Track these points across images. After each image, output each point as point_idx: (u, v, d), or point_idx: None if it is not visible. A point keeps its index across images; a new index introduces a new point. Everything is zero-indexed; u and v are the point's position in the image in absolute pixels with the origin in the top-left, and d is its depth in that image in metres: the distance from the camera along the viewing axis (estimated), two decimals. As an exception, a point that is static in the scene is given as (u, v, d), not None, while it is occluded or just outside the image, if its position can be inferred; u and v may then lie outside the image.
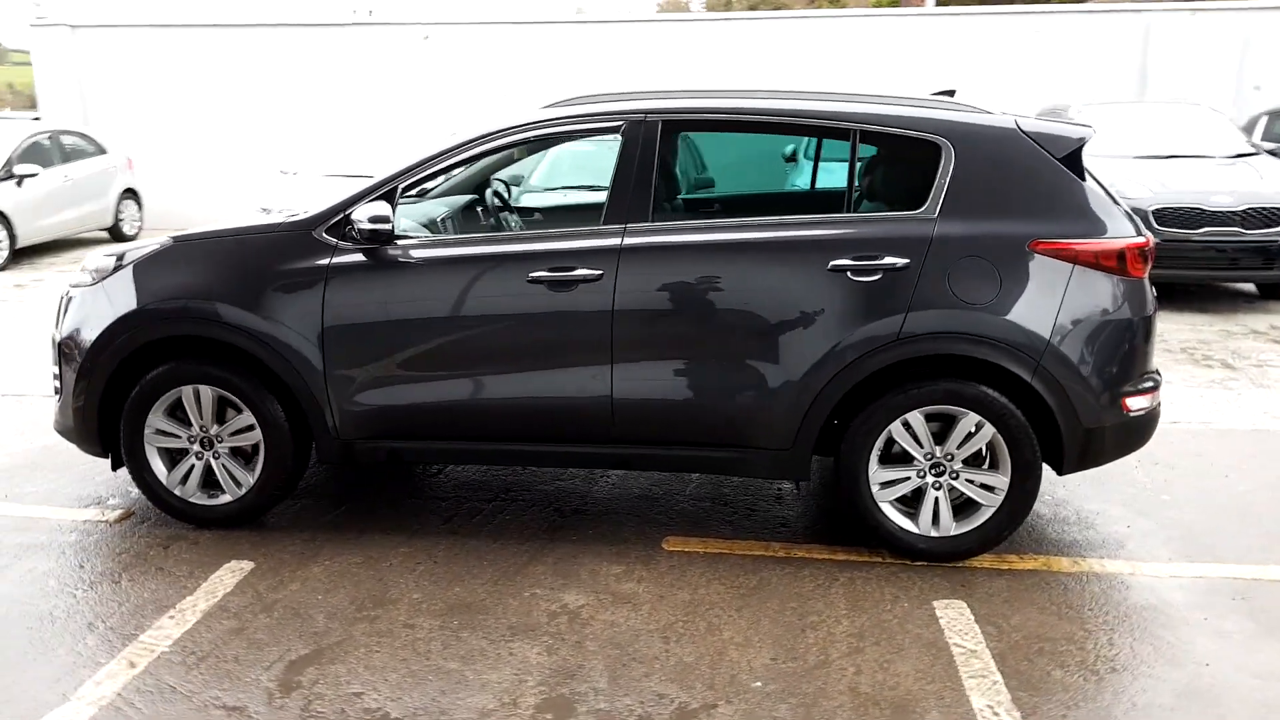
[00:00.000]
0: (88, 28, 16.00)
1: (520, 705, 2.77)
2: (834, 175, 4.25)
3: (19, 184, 11.35)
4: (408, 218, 4.08)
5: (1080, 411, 3.50)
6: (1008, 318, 3.46)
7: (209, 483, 3.93)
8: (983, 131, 3.64)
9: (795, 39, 14.25)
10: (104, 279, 3.91)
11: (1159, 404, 3.73)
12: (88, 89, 15.90)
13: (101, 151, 13.12)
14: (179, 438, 3.89)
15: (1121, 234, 3.54)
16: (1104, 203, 3.57)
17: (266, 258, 3.78)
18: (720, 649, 3.07)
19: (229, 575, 3.55)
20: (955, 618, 3.26)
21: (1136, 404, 3.60)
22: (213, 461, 3.90)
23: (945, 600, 3.38)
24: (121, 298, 3.84)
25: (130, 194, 13.62)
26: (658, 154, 3.67)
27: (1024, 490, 3.56)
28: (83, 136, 13.08)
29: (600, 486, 4.40)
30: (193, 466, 3.91)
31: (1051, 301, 3.47)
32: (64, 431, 4.04)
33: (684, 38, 14.61)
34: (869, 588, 3.47)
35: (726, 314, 3.58)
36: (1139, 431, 3.69)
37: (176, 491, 3.93)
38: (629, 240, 3.61)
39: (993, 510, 3.60)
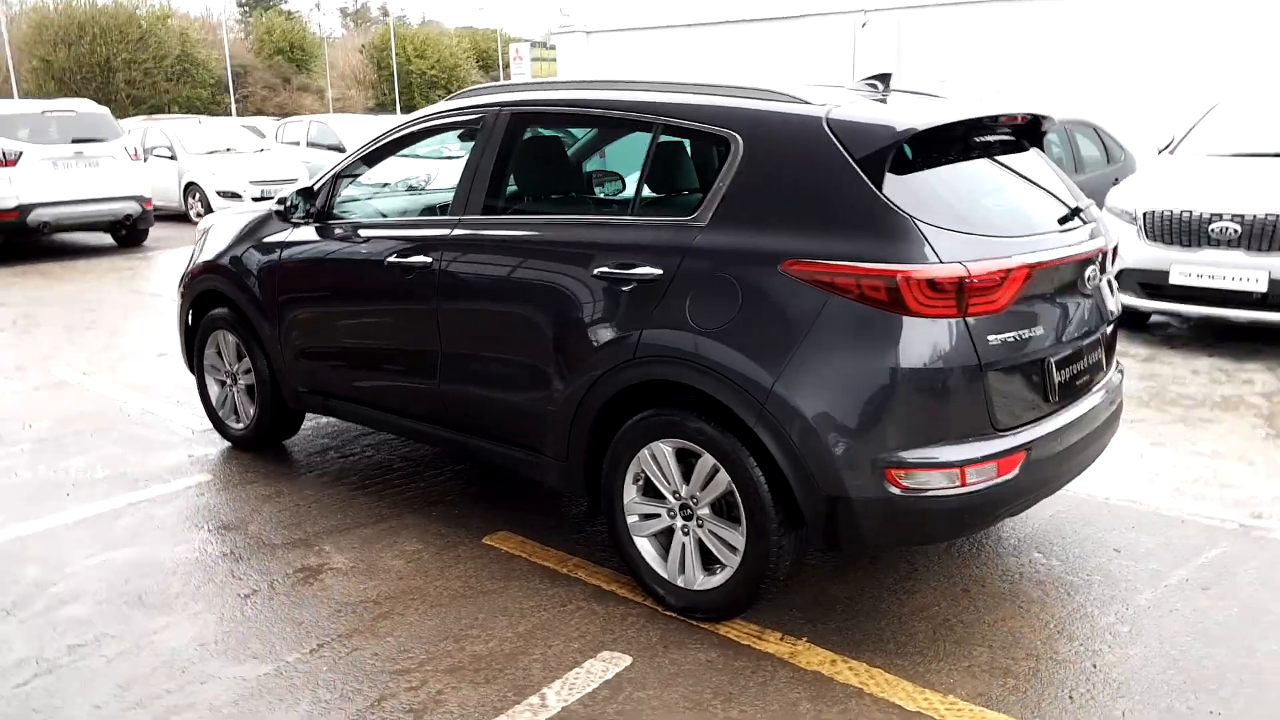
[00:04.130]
0: (599, 32, 18.79)
1: (149, 640, 3.25)
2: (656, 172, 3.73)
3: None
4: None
5: (816, 474, 2.80)
6: (734, 348, 2.89)
7: (239, 410, 4.93)
8: (777, 123, 3.03)
9: None
10: (199, 240, 5.09)
11: (977, 487, 2.77)
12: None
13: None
14: (219, 371, 4.95)
15: (908, 260, 2.71)
16: (895, 217, 2.76)
17: (262, 231, 4.61)
18: (342, 636, 3.15)
19: (184, 482, 4.50)
20: (593, 673, 2.90)
21: (915, 481, 2.75)
22: (234, 394, 4.88)
23: (616, 654, 3.01)
24: (198, 255, 4.97)
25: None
26: (500, 146, 3.69)
27: (758, 554, 2.96)
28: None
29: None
30: (227, 396, 4.94)
31: (792, 335, 2.82)
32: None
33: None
34: (576, 622, 3.21)
35: (516, 312, 3.52)
36: (932, 516, 2.80)
37: (219, 412, 5.00)
38: (456, 231, 3.72)
39: (731, 571, 3.05)
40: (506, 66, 46.72)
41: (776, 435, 2.82)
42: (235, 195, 16.08)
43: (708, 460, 3.03)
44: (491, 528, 3.95)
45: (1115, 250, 3.48)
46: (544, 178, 3.82)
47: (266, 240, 4.51)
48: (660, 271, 3.09)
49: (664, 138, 3.30)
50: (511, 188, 3.77)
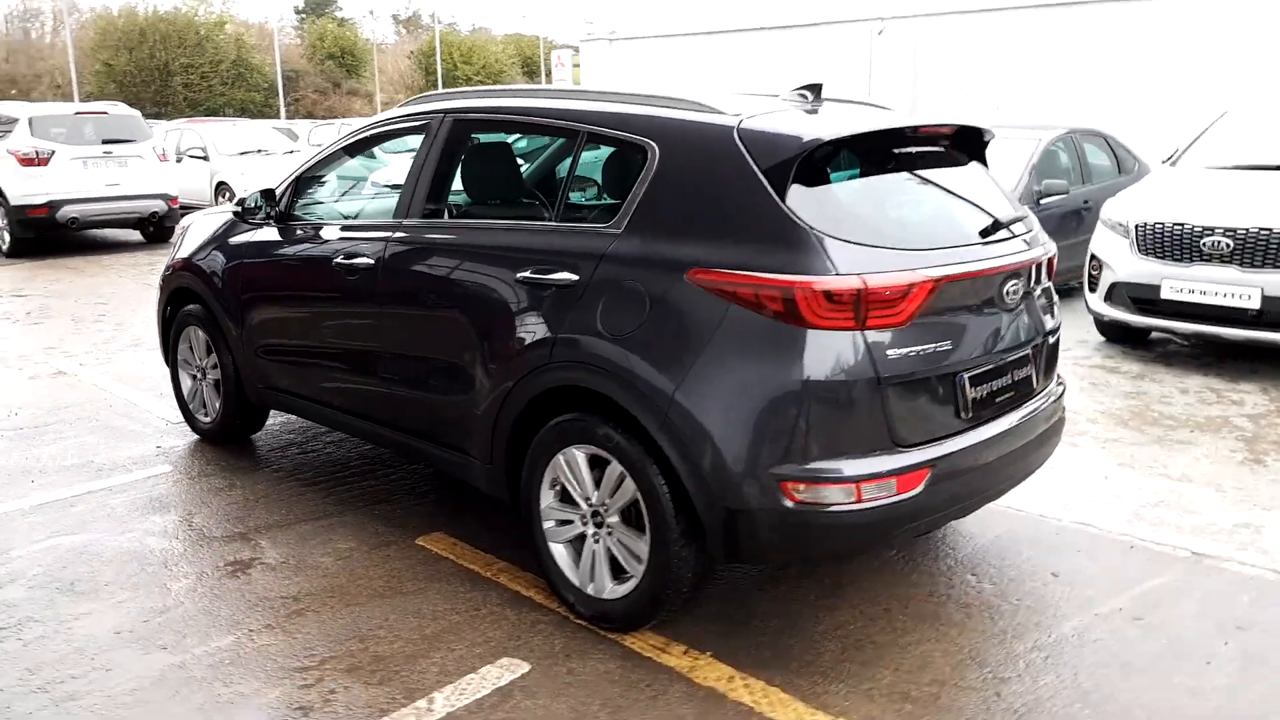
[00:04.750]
0: (621, 40, 18.87)
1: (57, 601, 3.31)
2: (579, 180, 3.72)
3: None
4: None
5: (714, 484, 2.76)
6: (640, 355, 2.87)
7: (207, 405, 5.01)
8: (690, 132, 3.01)
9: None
10: (178, 238, 5.19)
11: (875, 503, 2.71)
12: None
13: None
14: (191, 365, 5.03)
15: (805, 271, 2.67)
16: (795, 228, 2.72)
17: (230, 231, 4.68)
18: (253, 631, 3.18)
19: (145, 472, 4.59)
20: (488, 679, 2.89)
21: (810, 494, 2.70)
22: (203, 388, 4.97)
23: (515, 660, 2.99)
24: (176, 252, 5.06)
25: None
26: (441, 151, 3.72)
27: (660, 564, 2.93)
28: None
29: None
30: (197, 390, 5.03)
31: (695, 343, 2.79)
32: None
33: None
34: (485, 626, 3.20)
35: (448, 315, 3.53)
36: (831, 531, 2.75)
37: (190, 405, 5.09)
38: (397, 234, 3.75)
39: (636, 581, 3.03)
40: (549, 73, 47.10)
41: (677, 443, 2.80)
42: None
43: (616, 467, 3.01)
44: (429, 528, 3.97)
45: (1051, 262, 3.39)
46: (479, 183, 3.82)
47: (232, 240, 4.59)
48: (576, 277, 3.08)
49: (588, 145, 3.30)
50: (449, 192, 3.78)
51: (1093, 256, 6.82)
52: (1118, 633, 3.16)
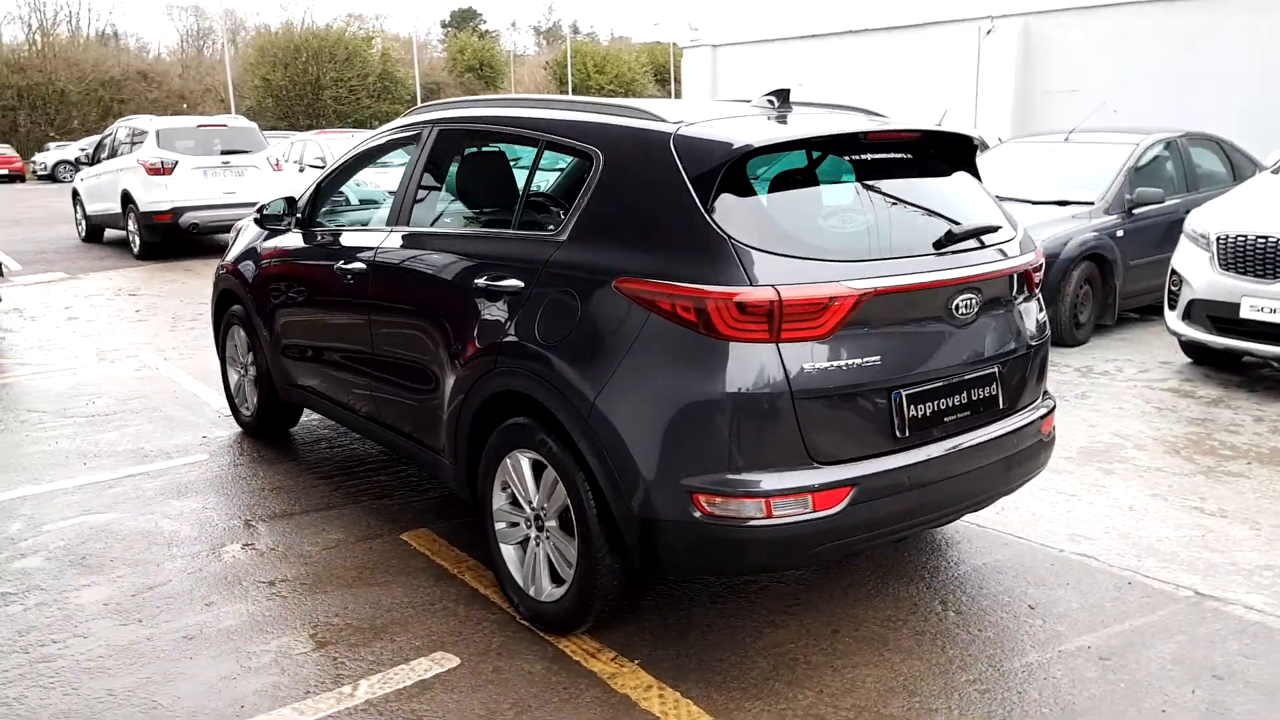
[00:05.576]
0: (724, 46, 18.89)
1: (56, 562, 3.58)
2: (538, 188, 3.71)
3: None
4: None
5: (629, 493, 2.76)
6: (566, 361, 2.90)
7: (247, 399, 5.32)
8: (631, 140, 3.02)
9: None
10: (231, 240, 5.52)
11: (788, 519, 2.64)
12: (720, 92, 18.88)
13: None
14: (236, 362, 5.35)
15: (719, 281, 2.63)
16: (714, 237, 2.69)
17: (263, 237, 4.95)
18: (222, 612, 3.37)
19: (183, 460, 4.90)
20: (415, 670, 2.97)
21: (722, 508, 2.66)
22: (246, 384, 5.27)
23: (448, 655, 3.06)
24: (226, 255, 5.40)
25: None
26: (426, 160, 3.85)
27: (587, 571, 2.95)
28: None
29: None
30: (241, 385, 5.34)
31: (617, 352, 2.79)
32: (221, 347, 5.80)
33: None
34: (433, 621, 3.28)
35: (422, 319, 3.64)
36: (745, 545, 2.69)
37: (236, 399, 5.41)
38: (386, 241, 3.90)
39: (568, 585, 3.05)
40: (679, 80, 47.39)
41: (596, 451, 2.81)
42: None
43: (551, 473, 3.04)
44: (418, 524, 4.09)
45: (1029, 274, 3.22)
46: (456, 191, 3.93)
47: (262, 246, 4.86)
48: (521, 284, 3.13)
49: (546, 153, 3.35)
50: (432, 200, 3.91)
51: (1173, 271, 6.40)
52: (1074, 672, 2.97)
